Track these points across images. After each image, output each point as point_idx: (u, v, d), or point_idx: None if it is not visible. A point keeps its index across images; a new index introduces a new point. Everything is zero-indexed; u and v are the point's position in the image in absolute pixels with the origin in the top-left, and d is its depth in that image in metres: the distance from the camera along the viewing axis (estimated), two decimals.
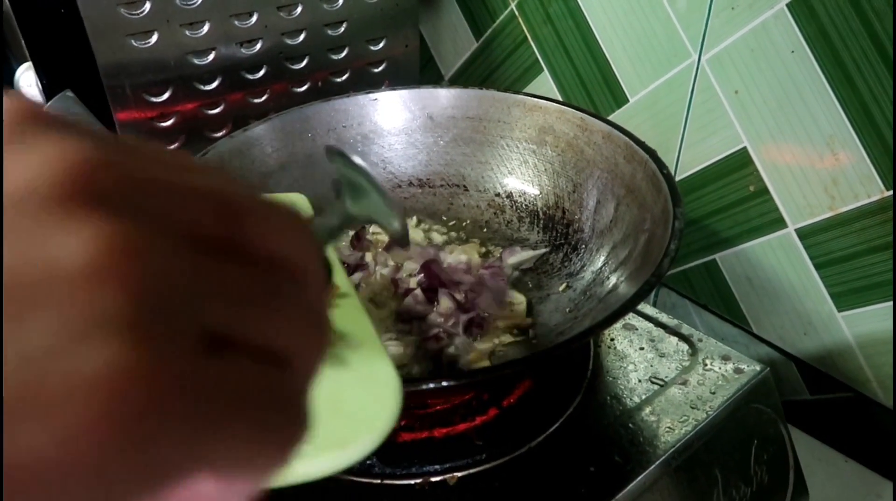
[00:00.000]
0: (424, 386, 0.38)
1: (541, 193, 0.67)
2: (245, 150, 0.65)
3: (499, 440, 0.49)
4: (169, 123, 0.70)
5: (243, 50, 0.71)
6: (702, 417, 0.51)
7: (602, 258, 0.58)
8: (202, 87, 0.71)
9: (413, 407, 0.50)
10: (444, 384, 0.38)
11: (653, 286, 0.44)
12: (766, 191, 0.67)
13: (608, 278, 0.55)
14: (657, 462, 0.47)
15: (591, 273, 0.58)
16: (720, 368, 0.55)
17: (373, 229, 0.67)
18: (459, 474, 0.47)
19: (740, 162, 0.68)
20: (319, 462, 0.23)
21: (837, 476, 0.63)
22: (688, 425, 0.50)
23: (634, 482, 0.46)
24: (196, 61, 0.69)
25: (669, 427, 0.50)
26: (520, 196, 0.68)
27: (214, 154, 0.62)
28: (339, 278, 0.34)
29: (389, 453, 0.48)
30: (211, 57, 0.69)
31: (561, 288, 0.59)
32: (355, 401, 0.26)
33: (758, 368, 0.55)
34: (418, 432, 0.50)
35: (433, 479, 0.47)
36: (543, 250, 0.63)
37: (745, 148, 0.67)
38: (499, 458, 0.48)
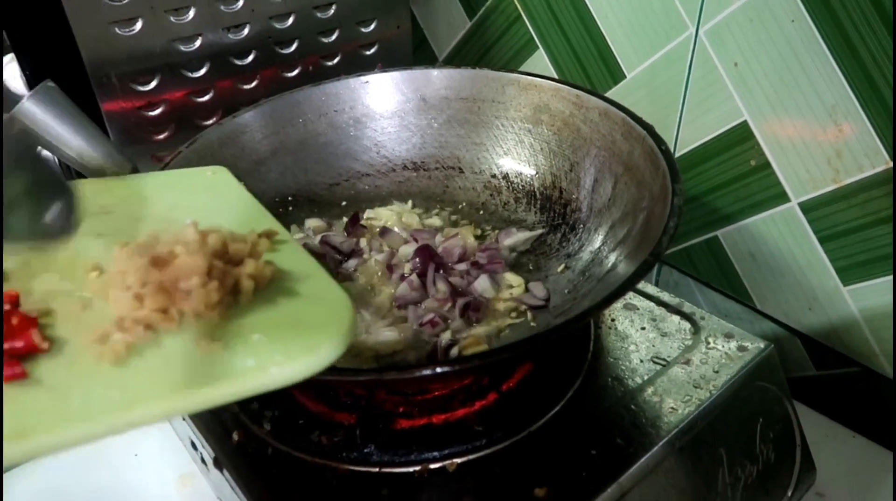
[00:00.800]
0: (418, 373, 0.37)
1: (537, 173, 0.66)
2: (234, 137, 0.64)
3: (499, 425, 0.48)
4: (157, 112, 0.69)
5: (231, 35, 0.70)
6: (705, 396, 0.50)
7: (600, 238, 0.57)
8: (190, 74, 0.69)
9: (411, 394, 0.49)
10: (438, 370, 0.37)
11: (651, 265, 0.43)
12: (767, 165, 0.65)
13: (607, 257, 0.54)
14: (660, 444, 0.46)
15: (589, 253, 0.57)
16: (723, 346, 0.54)
17: (367, 214, 0.66)
18: (459, 460, 0.46)
19: (741, 136, 0.66)
20: (295, 367, 0.26)
21: (845, 452, 0.62)
22: (691, 405, 0.49)
23: (637, 464, 0.45)
24: (182, 48, 0.68)
25: (672, 408, 0.49)
26: (516, 177, 0.67)
27: (202, 143, 0.61)
28: (277, 227, 0.38)
29: (387, 440, 0.47)
30: (198, 43, 0.68)
31: (559, 269, 0.58)
32: (315, 317, 0.29)
33: (762, 345, 0.54)
34: (416, 418, 0.49)
35: (432, 466, 0.46)
36: (540, 231, 0.62)
37: (745, 121, 0.66)
38: (499, 443, 0.47)
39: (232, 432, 0.49)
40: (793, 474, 0.54)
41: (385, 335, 0.49)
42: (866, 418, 0.66)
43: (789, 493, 0.53)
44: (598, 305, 0.40)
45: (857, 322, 0.65)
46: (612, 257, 0.53)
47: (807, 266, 0.66)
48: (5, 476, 0.58)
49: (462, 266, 0.57)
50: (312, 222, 0.65)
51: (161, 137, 0.70)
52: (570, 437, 0.47)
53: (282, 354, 0.27)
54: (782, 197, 0.66)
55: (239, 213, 0.40)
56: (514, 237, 0.61)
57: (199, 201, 0.41)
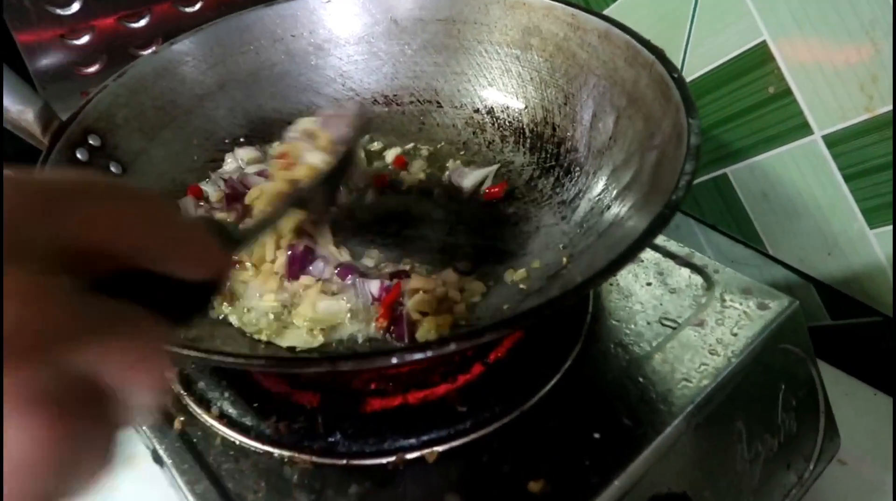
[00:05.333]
0: (380, 362, 0.29)
1: (527, 106, 0.58)
2: (173, 68, 0.55)
3: (485, 403, 0.41)
4: (84, 40, 0.59)
5: None
6: (723, 364, 0.43)
7: (601, 183, 0.49)
8: None
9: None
10: (408, 358, 0.30)
11: (667, 219, 0.35)
12: (788, 92, 0.57)
13: (609, 207, 0.46)
14: (674, 424, 0.40)
15: (588, 201, 0.49)
16: (741, 304, 0.47)
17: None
18: (440, 448, 0.39)
19: (758, 59, 0.58)
20: None
21: (867, 413, 0.57)
22: (707, 375, 0.42)
23: (649, 448, 0.38)
24: None
25: (686, 379, 0.42)
26: (502, 111, 0.59)
27: (134, 75, 0.52)
28: None
29: (356, 426, 0.41)
30: None
31: (553, 220, 0.50)
32: None
33: (785, 302, 0.47)
34: (389, 397, 0.42)
35: (409, 456, 0.39)
36: (496, 166, 0.55)
37: (764, 42, 0.57)
38: (486, 426, 0.40)
39: (173, 418, 0.42)
40: (816, 443, 0.48)
41: (327, 305, 0.41)
42: (889, 374, 0.60)
43: (811, 466, 0.48)
44: (600, 274, 0.33)
45: (882, 269, 0.58)
46: (616, 207, 0.45)
47: (828, 207, 0.59)
48: None
49: None
50: (245, 153, 0.55)
51: (91, 70, 0.61)
52: (569, 417, 0.41)
53: None
54: (804, 129, 0.58)
55: None
56: (472, 176, 0.54)
57: None
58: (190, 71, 0.56)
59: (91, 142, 0.48)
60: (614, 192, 0.47)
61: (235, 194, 0.50)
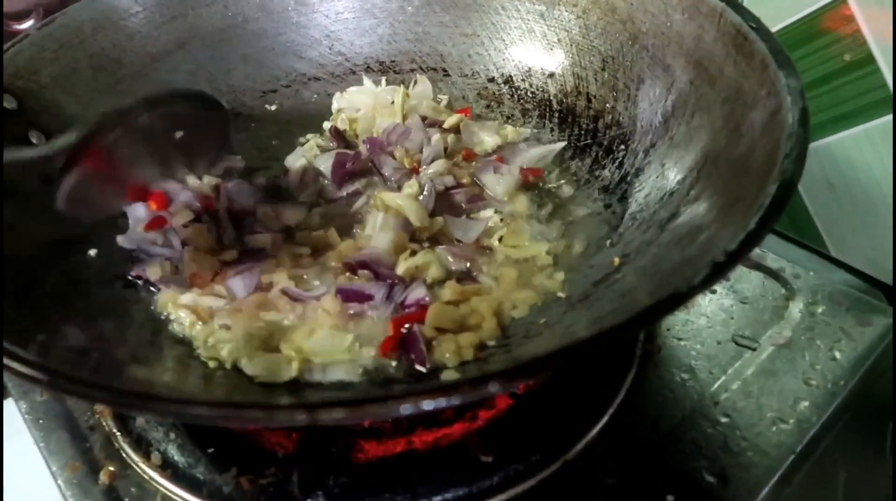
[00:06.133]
0: (376, 410, 0.19)
1: (554, 74, 0.49)
2: (117, 19, 0.46)
3: (517, 451, 0.31)
4: None
5: None
6: (825, 398, 0.33)
7: (655, 165, 0.39)
8: None
9: None
10: (424, 406, 0.19)
11: (782, 204, 0.25)
12: (869, 61, 0.49)
13: (672, 193, 0.36)
14: (772, 482, 0.30)
15: (640, 187, 0.39)
16: (835, 317, 0.38)
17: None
18: None
19: (834, 20, 0.50)
20: None
21: None
22: (808, 414, 0.32)
23: None
24: None
25: (780, 418, 0.32)
26: (523, 80, 0.50)
27: (65, 23, 0.43)
28: None
29: (345, 481, 0.30)
30: None
31: (593, 209, 0.40)
32: None
33: (890, 316, 0.37)
34: (390, 441, 0.32)
35: None
36: (562, 144, 0.46)
37: None
38: (519, 483, 0.31)
39: (100, 467, 0.32)
40: None
41: (327, 336, 0.30)
42: None
43: None
44: (706, 279, 0.23)
45: None
46: (685, 195, 0.35)
47: None
48: None
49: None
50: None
51: (24, 26, 0.52)
52: (630, 471, 0.31)
53: None
54: (885, 105, 0.49)
55: None
56: (526, 155, 0.45)
57: None
58: (140, 24, 0.46)
59: (4, 104, 0.37)
60: (678, 175, 0.37)
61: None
